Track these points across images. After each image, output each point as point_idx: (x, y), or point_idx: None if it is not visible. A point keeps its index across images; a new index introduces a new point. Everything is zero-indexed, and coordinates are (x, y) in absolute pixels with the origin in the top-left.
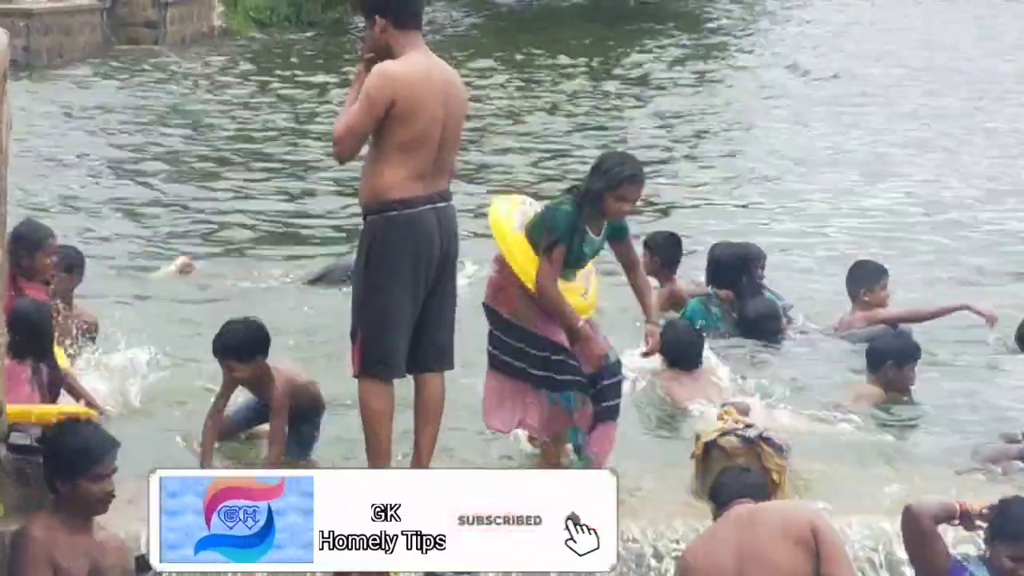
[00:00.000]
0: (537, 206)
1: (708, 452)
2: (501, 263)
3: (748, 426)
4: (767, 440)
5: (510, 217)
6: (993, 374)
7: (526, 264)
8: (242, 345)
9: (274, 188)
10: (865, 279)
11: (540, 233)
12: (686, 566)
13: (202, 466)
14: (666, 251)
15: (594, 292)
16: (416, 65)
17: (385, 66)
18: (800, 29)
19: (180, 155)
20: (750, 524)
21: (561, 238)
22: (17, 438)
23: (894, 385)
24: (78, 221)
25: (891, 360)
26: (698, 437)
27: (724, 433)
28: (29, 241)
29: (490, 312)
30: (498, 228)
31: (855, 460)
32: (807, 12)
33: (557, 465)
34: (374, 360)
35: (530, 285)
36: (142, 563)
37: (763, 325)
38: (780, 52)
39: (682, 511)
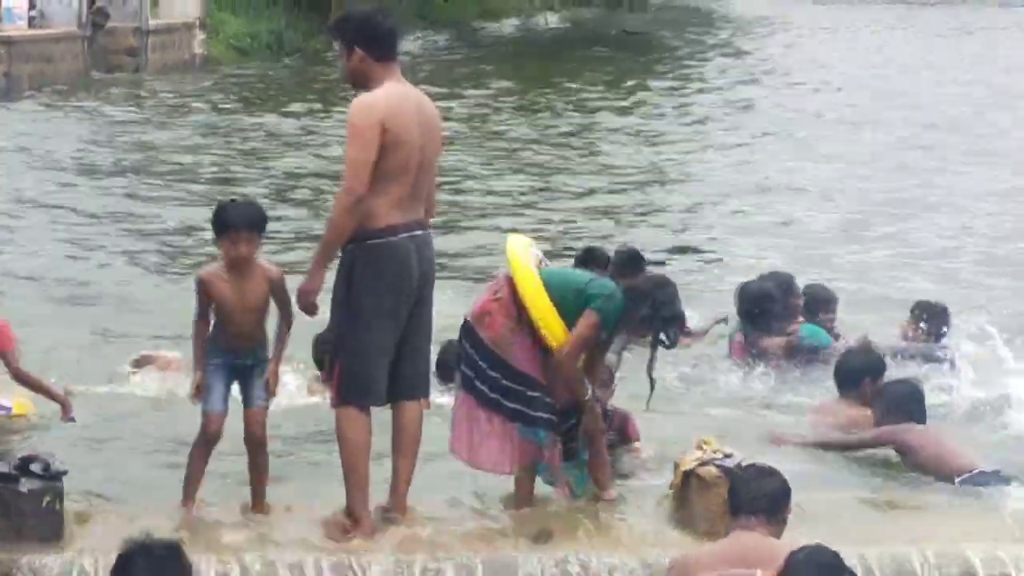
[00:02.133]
0: (539, 252)
1: (687, 481)
2: (503, 293)
3: (727, 456)
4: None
5: (527, 257)
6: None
7: (549, 318)
8: (261, 214)
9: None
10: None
11: (565, 294)
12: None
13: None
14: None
15: None
16: (395, 93)
17: (365, 97)
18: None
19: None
20: (750, 563)
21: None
22: None
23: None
24: None
25: (868, 376)
26: (677, 466)
27: (703, 463)
28: None
29: (469, 332)
30: (520, 271)
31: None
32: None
33: (530, 496)
34: (353, 389)
35: (551, 340)
36: None
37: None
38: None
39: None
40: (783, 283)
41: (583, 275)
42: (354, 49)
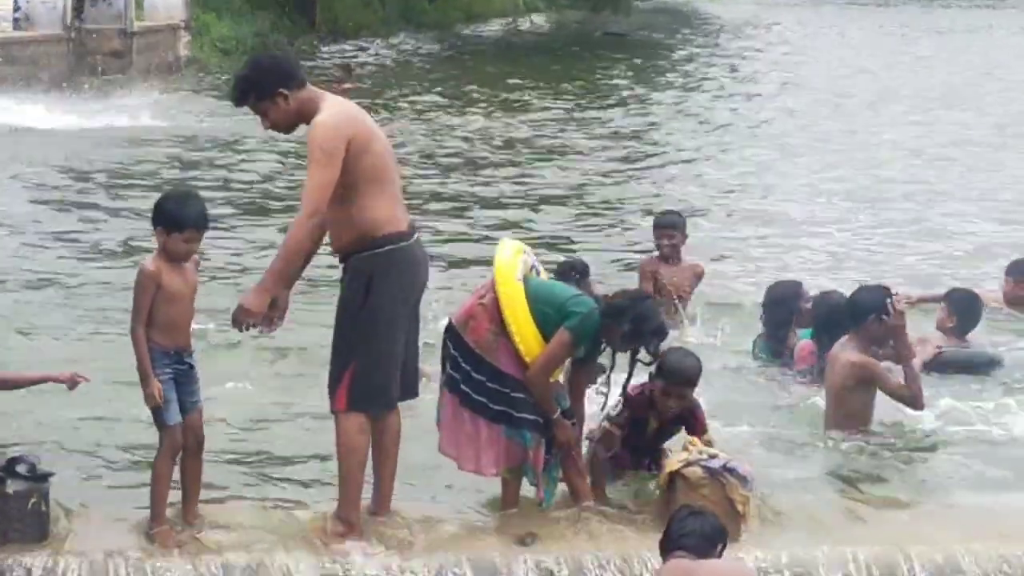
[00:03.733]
0: (534, 258)
1: (672, 482)
2: (488, 298)
3: (712, 456)
4: (731, 471)
5: (514, 266)
6: None
7: (525, 331)
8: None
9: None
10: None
11: (546, 309)
12: None
13: (146, 381)
14: None
15: None
16: (343, 104)
17: (325, 118)
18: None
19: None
20: None
21: (580, 350)
22: None
23: (880, 341)
24: None
25: (874, 313)
26: (663, 467)
27: (688, 464)
28: None
29: (454, 334)
30: (503, 280)
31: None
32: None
33: (516, 497)
34: (364, 395)
35: (525, 354)
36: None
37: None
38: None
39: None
40: (793, 290)
41: (567, 291)
42: (275, 95)
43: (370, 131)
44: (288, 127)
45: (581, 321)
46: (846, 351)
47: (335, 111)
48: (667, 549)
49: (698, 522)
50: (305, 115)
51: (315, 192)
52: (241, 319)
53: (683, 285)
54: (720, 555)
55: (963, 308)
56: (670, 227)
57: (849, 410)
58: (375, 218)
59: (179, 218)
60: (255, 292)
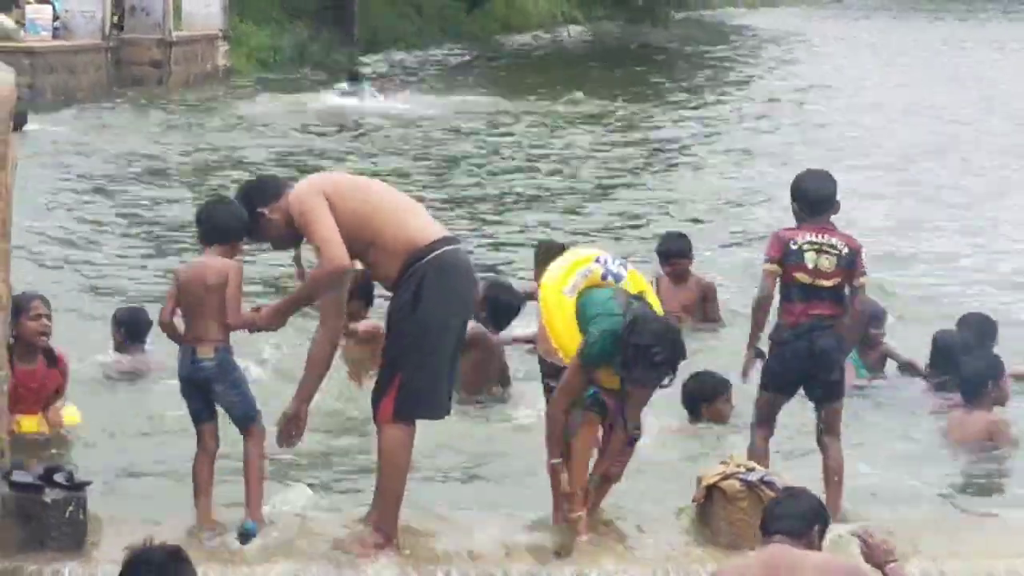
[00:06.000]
0: (614, 266)
1: (710, 496)
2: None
3: (750, 470)
4: (769, 484)
5: (562, 278)
6: None
7: (565, 344)
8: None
9: None
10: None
11: (584, 327)
12: None
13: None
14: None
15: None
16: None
17: (295, 190)
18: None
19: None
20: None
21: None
22: (19, 476)
23: (1000, 402)
24: None
25: (990, 379)
26: (699, 480)
27: (726, 477)
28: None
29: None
30: (544, 292)
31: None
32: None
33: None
34: (410, 406)
35: (565, 358)
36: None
37: None
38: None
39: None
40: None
41: (596, 309)
42: (261, 213)
43: (343, 180)
44: (285, 238)
45: (589, 347)
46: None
47: (299, 185)
48: (766, 532)
49: (794, 503)
50: (290, 223)
51: (324, 242)
52: (250, 329)
53: (689, 305)
54: (821, 535)
55: None
56: (678, 255)
57: None
58: (408, 236)
59: (224, 230)
60: (271, 315)
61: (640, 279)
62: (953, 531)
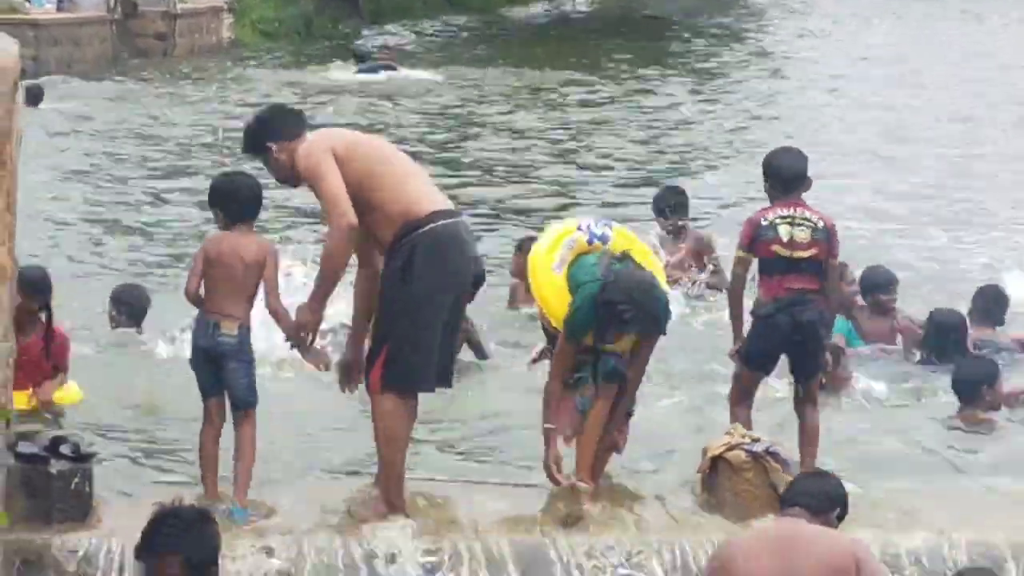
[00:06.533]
0: (597, 227)
1: (715, 466)
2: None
3: (755, 440)
4: (774, 455)
5: (547, 256)
6: None
7: (557, 308)
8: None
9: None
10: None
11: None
12: (720, 568)
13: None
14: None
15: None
16: (317, 132)
17: (304, 144)
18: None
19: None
20: (791, 548)
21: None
22: (25, 447)
23: (995, 406)
24: None
25: (985, 383)
26: (705, 451)
27: (731, 447)
28: None
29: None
30: (532, 270)
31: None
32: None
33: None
34: (398, 376)
35: (557, 324)
36: None
37: None
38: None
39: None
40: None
41: (587, 274)
42: (269, 148)
43: (354, 138)
44: (288, 179)
45: (571, 315)
46: None
47: (311, 138)
48: (785, 503)
49: (821, 482)
50: (295, 166)
51: (331, 201)
52: (297, 337)
53: (687, 261)
54: (839, 519)
55: None
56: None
57: None
58: (406, 203)
59: (244, 207)
60: (308, 309)
61: (627, 235)
62: (955, 502)
